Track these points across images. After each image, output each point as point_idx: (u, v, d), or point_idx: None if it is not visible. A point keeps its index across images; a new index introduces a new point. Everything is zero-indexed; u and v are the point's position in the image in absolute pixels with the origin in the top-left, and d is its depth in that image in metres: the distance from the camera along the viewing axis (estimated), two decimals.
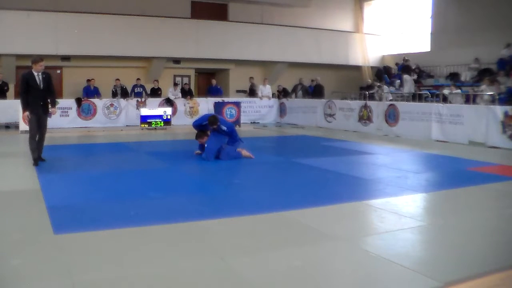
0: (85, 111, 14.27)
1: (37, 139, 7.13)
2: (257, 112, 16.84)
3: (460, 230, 4.10)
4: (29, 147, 7.11)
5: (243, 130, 13.83)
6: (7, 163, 7.56)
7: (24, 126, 12.20)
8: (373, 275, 3.11)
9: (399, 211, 4.63)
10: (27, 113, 6.92)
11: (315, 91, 17.01)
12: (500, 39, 15.30)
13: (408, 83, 16.91)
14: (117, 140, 10.97)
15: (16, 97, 13.74)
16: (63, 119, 13.88)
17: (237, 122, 14.81)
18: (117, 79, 15.40)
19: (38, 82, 6.98)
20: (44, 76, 7.05)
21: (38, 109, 7.02)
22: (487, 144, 9.89)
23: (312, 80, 17.64)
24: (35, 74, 6.98)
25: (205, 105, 15.85)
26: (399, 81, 17.62)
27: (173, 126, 14.32)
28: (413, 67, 18.05)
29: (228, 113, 14.85)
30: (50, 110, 7.37)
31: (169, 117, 14.14)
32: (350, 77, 20.41)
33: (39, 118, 7.06)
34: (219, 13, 18.80)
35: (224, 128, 7.63)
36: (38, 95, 7.01)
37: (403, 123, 12.08)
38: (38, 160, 7.09)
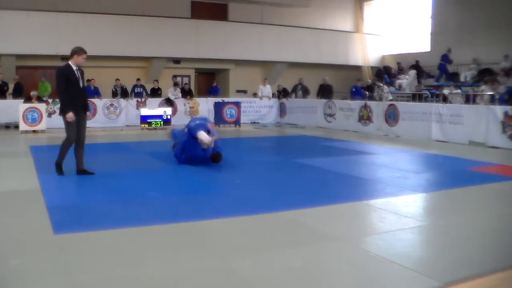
0: None
1: (74, 146, 6.25)
2: (257, 112, 16.85)
3: (460, 230, 4.10)
4: (60, 153, 6.19)
5: (243, 130, 13.85)
6: (7, 163, 7.56)
7: (24, 126, 12.25)
8: (373, 275, 3.11)
9: (399, 211, 4.63)
10: (71, 113, 5.98)
11: (324, 91, 16.42)
12: (500, 39, 15.29)
13: (411, 77, 16.81)
14: (117, 140, 10.96)
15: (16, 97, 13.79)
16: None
17: (237, 122, 14.84)
18: (117, 79, 15.40)
19: (77, 77, 6.08)
20: (80, 71, 6.20)
21: (80, 109, 6.18)
22: (487, 144, 9.89)
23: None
24: (74, 68, 6.07)
25: (205, 105, 15.87)
26: (399, 81, 17.61)
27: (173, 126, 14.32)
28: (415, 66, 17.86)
29: (228, 113, 14.86)
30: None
31: (169, 117, 14.13)
32: (350, 77, 20.38)
33: (79, 121, 6.19)
34: (219, 13, 18.80)
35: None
36: (78, 93, 6.14)
37: (403, 123, 12.08)
38: (61, 168, 6.23)
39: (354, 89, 16.71)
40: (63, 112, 6.08)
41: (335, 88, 18.53)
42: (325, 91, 16.43)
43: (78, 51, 6.07)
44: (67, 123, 6.11)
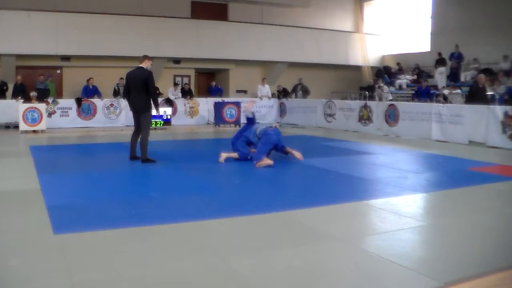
0: (85, 111, 14.26)
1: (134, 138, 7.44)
2: (257, 112, 16.78)
3: (460, 230, 4.10)
4: (146, 148, 7.22)
5: None
6: (7, 163, 7.56)
7: (24, 126, 12.24)
8: (373, 275, 3.11)
9: (399, 211, 4.63)
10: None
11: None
12: (500, 39, 15.30)
13: (443, 75, 16.31)
14: (117, 140, 10.95)
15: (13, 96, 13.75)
16: (63, 119, 13.89)
17: (237, 122, 14.84)
18: (121, 78, 15.36)
19: None
20: None
21: None
22: (487, 144, 9.89)
23: None
24: None
25: (205, 105, 15.87)
26: (399, 81, 17.60)
27: (173, 126, 14.32)
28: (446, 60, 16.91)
29: (228, 113, 14.86)
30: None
31: (169, 117, 14.14)
32: (350, 77, 20.40)
33: None
34: (219, 13, 18.80)
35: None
36: None
37: (403, 123, 12.08)
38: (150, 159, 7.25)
39: None
40: (158, 109, 7.54)
41: (335, 88, 18.54)
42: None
43: (148, 56, 7.12)
44: (150, 120, 7.34)
